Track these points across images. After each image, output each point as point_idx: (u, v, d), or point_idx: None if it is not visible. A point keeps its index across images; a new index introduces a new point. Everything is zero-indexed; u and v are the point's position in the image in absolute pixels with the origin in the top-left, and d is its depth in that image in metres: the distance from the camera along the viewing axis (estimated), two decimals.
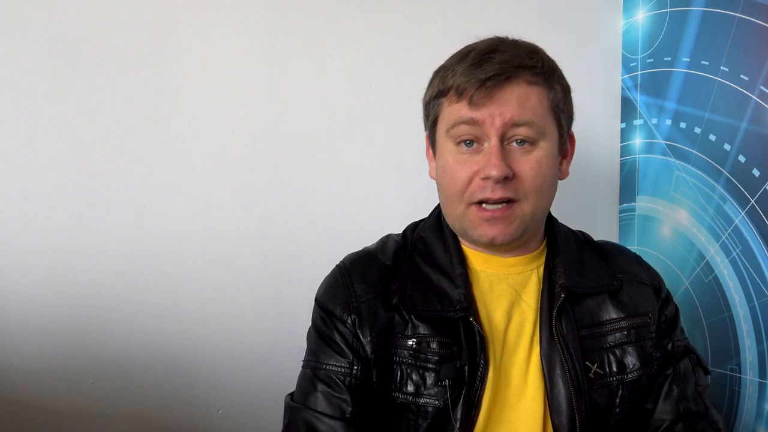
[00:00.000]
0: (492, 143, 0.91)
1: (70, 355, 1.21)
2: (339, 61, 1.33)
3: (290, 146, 1.31)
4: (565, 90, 0.97)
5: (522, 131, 0.91)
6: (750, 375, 1.14)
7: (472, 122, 0.91)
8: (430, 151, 1.02)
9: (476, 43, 0.96)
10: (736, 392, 1.17)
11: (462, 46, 0.97)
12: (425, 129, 1.02)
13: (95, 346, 1.22)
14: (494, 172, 0.89)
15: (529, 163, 0.91)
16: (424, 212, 1.07)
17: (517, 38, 0.97)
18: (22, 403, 1.19)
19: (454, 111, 0.93)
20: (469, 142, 0.92)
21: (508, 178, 0.90)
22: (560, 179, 0.99)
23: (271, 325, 1.30)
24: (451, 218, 0.97)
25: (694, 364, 1.00)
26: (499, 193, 0.90)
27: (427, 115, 1.00)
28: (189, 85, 1.26)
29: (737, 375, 1.17)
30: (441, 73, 0.96)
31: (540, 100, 0.92)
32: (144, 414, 1.24)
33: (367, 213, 1.34)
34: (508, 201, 0.92)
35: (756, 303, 1.12)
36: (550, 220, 1.04)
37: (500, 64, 0.90)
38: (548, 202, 0.97)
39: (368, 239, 1.07)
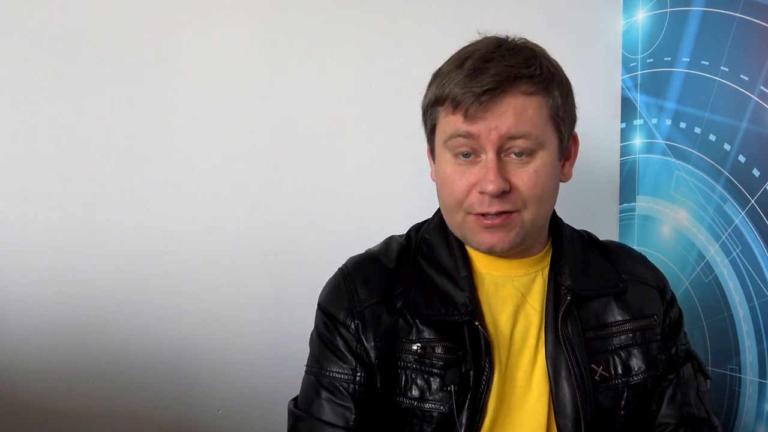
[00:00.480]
0: (489, 157, 0.89)
1: (69, 355, 1.21)
2: (339, 61, 1.33)
3: (290, 146, 1.31)
4: (566, 94, 0.95)
5: (519, 143, 0.89)
6: (750, 375, 1.14)
7: (468, 135, 0.90)
8: (431, 155, 1.01)
9: (474, 47, 0.94)
10: (736, 392, 1.17)
11: (462, 46, 0.96)
12: (425, 134, 1.02)
13: (95, 346, 1.22)
14: (491, 188, 0.88)
15: (527, 175, 0.90)
16: (425, 212, 1.07)
17: (517, 38, 0.95)
18: (22, 403, 1.19)
19: (450, 123, 0.91)
20: (466, 154, 0.91)
21: (505, 192, 0.89)
22: (562, 182, 0.98)
23: (271, 325, 1.30)
24: (452, 225, 0.97)
25: (695, 370, 1.00)
26: (496, 207, 0.89)
27: (425, 122, 0.99)
28: (189, 85, 1.26)
29: (737, 375, 1.17)
30: (438, 79, 0.95)
31: (538, 110, 0.90)
32: (144, 414, 1.24)
33: (368, 213, 1.34)
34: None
35: (756, 303, 1.12)
36: (555, 221, 1.03)
37: (496, 76, 0.88)
38: (549, 208, 0.96)
39: (368, 239, 1.06)
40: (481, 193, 0.89)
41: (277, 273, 1.30)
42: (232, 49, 1.28)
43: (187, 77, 1.26)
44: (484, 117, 0.88)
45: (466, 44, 0.96)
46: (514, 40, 0.95)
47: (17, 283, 1.18)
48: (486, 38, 0.95)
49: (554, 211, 1.01)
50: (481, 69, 0.89)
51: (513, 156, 0.90)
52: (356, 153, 1.34)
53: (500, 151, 0.90)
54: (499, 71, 0.88)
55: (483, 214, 0.91)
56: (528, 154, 0.90)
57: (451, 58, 0.95)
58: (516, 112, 0.89)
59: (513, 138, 0.89)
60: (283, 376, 1.24)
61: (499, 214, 0.90)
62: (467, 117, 0.89)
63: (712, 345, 1.22)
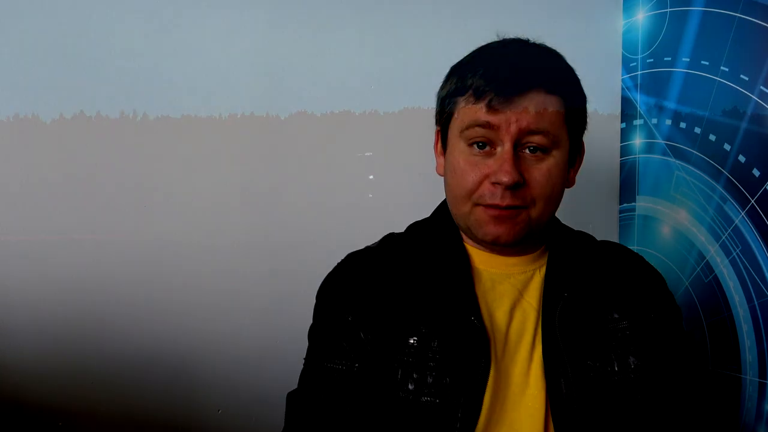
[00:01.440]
0: (505, 148, 0.90)
1: (69, 355, 1.21)
2: (339, 61, 1.33)
3: (291, 146, 1.31)
4: (582, 100, 0.98)
5: (536, 139, 0.91)
6: (750, 375, 1.14)
7: (487, 126, 0.91)
8: (440, 146, 1.01)
9: (498, 44, 0.96)
10: (736, 392, 1.17)
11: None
12: (437, 123, 1.01)
13: (95, 346, 1.22)
14: (505, 179, 0.89)
15: (540, 172, 0.92)
16: (425, 212, 1.07)
17: (538, 42, 0.97)
18: (22, 403, 1.19)
19: (470, 112, 0.92)
20: (481, 144, 0.92)
21: (519, 185, 0.90)
22: (567, 187, 0.99)
23: (271, 326, 1.30)
24: (457, 216, 0.97)
25: (694, 367, 1.00)
26: (507, 201, 0.90)
27: (441, 111, 0.99)
28: (189, 85, 1.26)
29: (737, 375, 1.17)
30: (460, 70, 0.96)
31: (557, 110, 0.92)
32: (144, 414, 1.24)
33: (368, 213, 1.34)
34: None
35: (756, 303, 1.12)
36: (553, 221, 1.03)
37: (521, 71, 0.91)
38: (554, 209, 0.97)
39: (368, 239, 1.06)
40: (495, 184, 0.90)
41: (277, 273, 1.30)
42: (233, 49, 1.28)
43: (187, 77, 1.26)
44: (506, 109, 0.90)
45: (482, 44, 0.97)
46: (535, 42, 0.97)
47: (17, 283, 1.18)
48: (508, 38, 0.98)
49: None
50: (507, 63, 0.92)
51: (528, 151, 0.92)
52: (356, 153, 1.34)
53: (517, 145, 0.91)
54: (525, 67, 0.92)
55: (492, 206, 0.91)
56: (543, 151, 0.92)
57: (473, 52, 0.97)
58: (537, 109, 0.91)
59: (531, 133, 0.91)
60: (283, 376, 1.24)
61: (508, 208, 0.91)
62: (490, 107, 0.90)
63: (712, 345, 1.22)
